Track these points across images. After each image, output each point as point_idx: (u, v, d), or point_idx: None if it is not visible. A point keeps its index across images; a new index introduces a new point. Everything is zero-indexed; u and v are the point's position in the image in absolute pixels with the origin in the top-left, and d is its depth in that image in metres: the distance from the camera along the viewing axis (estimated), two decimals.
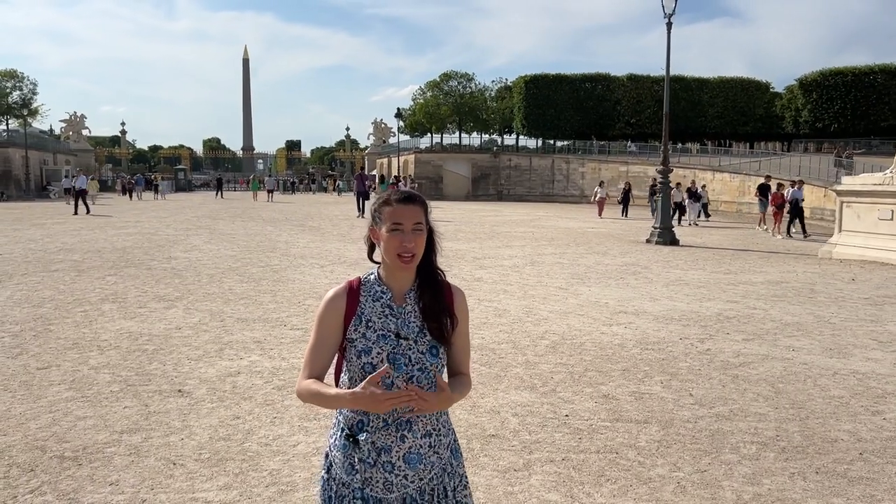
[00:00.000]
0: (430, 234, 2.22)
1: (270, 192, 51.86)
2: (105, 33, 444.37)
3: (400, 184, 37.15)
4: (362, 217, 29.17)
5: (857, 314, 9.59)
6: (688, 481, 4.24)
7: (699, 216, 29.59)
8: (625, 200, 33.62)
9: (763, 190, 25.79)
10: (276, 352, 7.14)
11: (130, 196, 51.09)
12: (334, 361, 2.23)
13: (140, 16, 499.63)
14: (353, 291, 2.17)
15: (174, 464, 4.37)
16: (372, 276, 2.22)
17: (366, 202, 31.31)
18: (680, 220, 27.40)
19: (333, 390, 2.10)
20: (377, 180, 39.14)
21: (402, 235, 2.09)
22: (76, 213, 29.43)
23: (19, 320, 8.48)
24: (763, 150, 59.73)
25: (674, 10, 19.79)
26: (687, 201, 28.50)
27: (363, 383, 1.96)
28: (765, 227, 25.23)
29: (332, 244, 18.21)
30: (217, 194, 55.69)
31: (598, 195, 33.51)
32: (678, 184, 30.86)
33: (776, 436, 5.00)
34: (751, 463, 4.52)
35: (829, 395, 5.97)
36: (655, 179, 32.78)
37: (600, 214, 31.86)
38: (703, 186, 33.32)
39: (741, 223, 29.58)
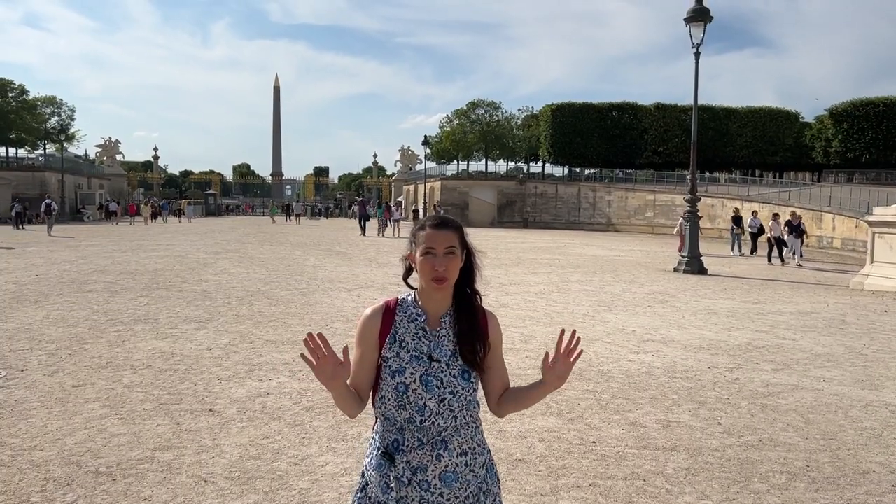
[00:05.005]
0: (470, 256, 2.26)
1: (298, 216, 53.85)
2: (142, 60, 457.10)
3: (392, 209, 39.60)
4: (364, 236, 35.18)
5: (889, 346, 9.44)
6: None
7: (801, 255, 24.43)
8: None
9: None
10: (305, 373, 7.20)
11: (155, 219, 55.37)
12: None
13: (176, 43, 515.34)
14: (390, 311, 2.24)
15: (205, 481, 4.45)
16: (409, 298, 2.28)
17: (366, 223, 38.85)
18: (770, 256, 24.44)
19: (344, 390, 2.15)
20: (376, 207, 45.52)
21: (434, 259, 2.15)
22: None
23: (55, 339, 8.68)
24: (792, 180, 59.21)
25: (702, 41, 19.84)
26: (787, 236, 24.41)
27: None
28: None
29: (359, 268, 18.36)
30: (287, 219, 59.68)
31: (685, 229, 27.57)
32: (776, 214, 26.86)
33: (806, 466, 4.94)
34: (780, 493, 4.47)
35: (860, 427, 5.89)
36: (738, 209, 29.72)
37: (681, 250, 26.40)
38: (801, 218, 26.45)
39: (851, 265, 23.44)
